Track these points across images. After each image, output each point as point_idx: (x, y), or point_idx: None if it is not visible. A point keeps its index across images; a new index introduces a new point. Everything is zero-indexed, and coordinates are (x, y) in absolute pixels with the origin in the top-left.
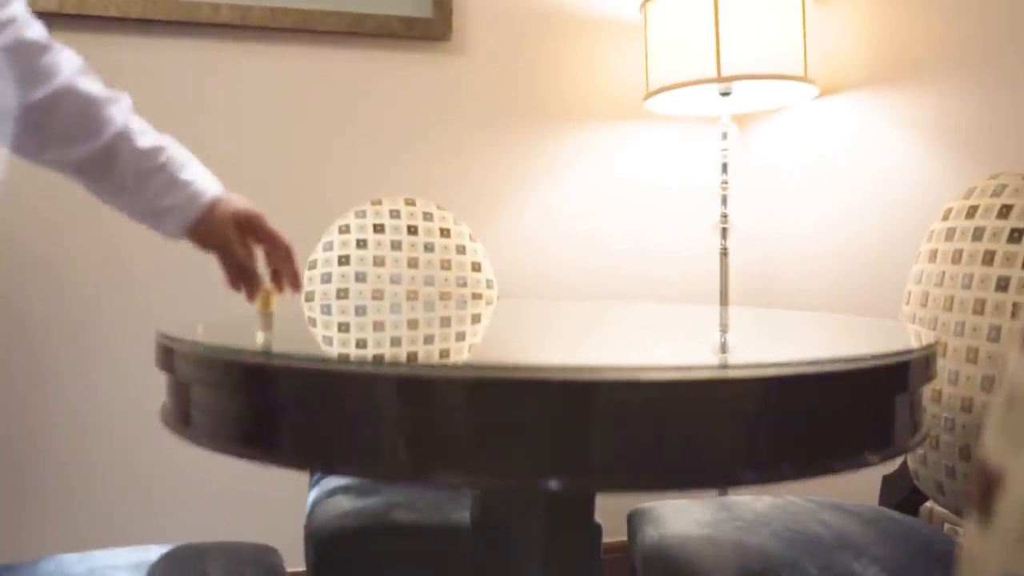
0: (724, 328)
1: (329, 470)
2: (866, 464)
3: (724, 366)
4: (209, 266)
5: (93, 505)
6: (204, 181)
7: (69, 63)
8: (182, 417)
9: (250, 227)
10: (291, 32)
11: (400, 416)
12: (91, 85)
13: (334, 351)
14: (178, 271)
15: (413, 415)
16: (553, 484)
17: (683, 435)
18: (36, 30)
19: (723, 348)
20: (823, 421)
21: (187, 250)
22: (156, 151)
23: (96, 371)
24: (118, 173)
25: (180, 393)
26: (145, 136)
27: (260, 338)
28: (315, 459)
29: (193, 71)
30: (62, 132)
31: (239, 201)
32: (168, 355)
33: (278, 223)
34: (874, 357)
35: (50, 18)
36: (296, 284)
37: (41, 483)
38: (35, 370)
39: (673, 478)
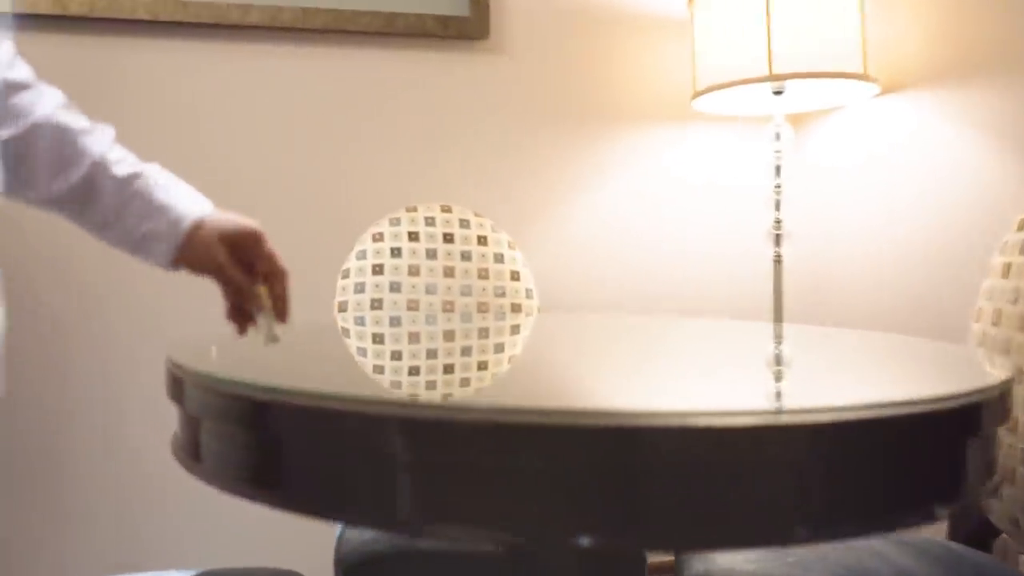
0: (776, 359)
1: (334, 518)
2: (933, 519)
3: (776, 411)
4: None
5: (117, 525)
6: (186, 204)
7: (50, 100)
8: (192, 451)
9: (246, 245)
10: (322, 33)
11: (412, 462)
12: (70, 118)
13: (351, 380)
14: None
15: (426, 461)
16: (584, 541)
17: (730, 488)
18: (19, 72)
19: (775, 385)
20: (885, 471)
21: None
22: (132, 178)
23: (120, 384)
24: (100, 206)
25: (190, 425)
26: (122, 165)
27: (265, 344)
28: (320, 505)
29: (223, 73)
30: (40, 166)
31: (231, 219)
32: (178, 385)
33: (308, 231)
34: (942, 399)
35: (79, 22)
36: (282, 315)
37: (65, 502)
38: (59, 384)
39: (719, 536)
